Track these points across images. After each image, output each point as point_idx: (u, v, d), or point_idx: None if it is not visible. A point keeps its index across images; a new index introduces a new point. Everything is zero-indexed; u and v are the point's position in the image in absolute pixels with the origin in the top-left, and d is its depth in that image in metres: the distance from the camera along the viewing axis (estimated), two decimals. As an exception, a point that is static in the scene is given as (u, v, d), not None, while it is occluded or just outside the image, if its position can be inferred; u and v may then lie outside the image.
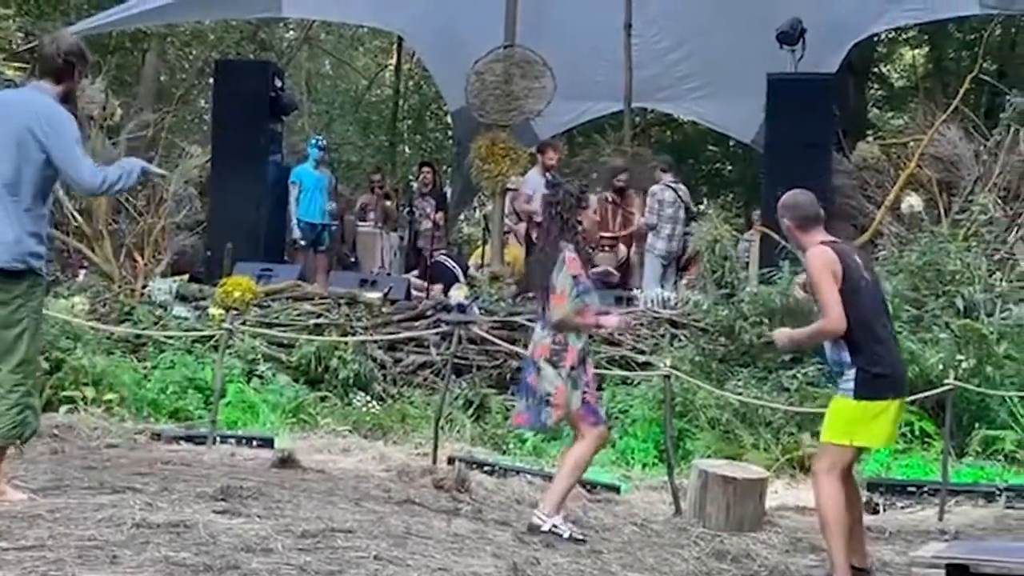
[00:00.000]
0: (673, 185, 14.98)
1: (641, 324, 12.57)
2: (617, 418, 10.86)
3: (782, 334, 6.78)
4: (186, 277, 14.14)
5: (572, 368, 7.01)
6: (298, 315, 12.85)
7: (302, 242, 15.64)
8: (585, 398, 7.05)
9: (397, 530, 6.40)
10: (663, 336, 12.34)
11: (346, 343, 11.96)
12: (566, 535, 6.87)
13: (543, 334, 7.10)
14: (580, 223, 7.21)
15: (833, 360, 6.32)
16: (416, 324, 12.64)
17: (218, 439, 9.57)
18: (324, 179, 15.94)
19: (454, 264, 15.64)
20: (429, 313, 12.77)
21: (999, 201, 13.31)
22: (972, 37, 21.77)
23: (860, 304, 6.19)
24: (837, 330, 6.15)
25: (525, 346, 7.19)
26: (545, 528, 6.90)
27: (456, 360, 10.86)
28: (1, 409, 6.27)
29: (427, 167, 17.79)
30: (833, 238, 6.44)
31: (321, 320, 12.72)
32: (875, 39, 22.00)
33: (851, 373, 6.19)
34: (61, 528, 5.55)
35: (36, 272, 6.52)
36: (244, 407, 11.02)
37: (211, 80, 19.12)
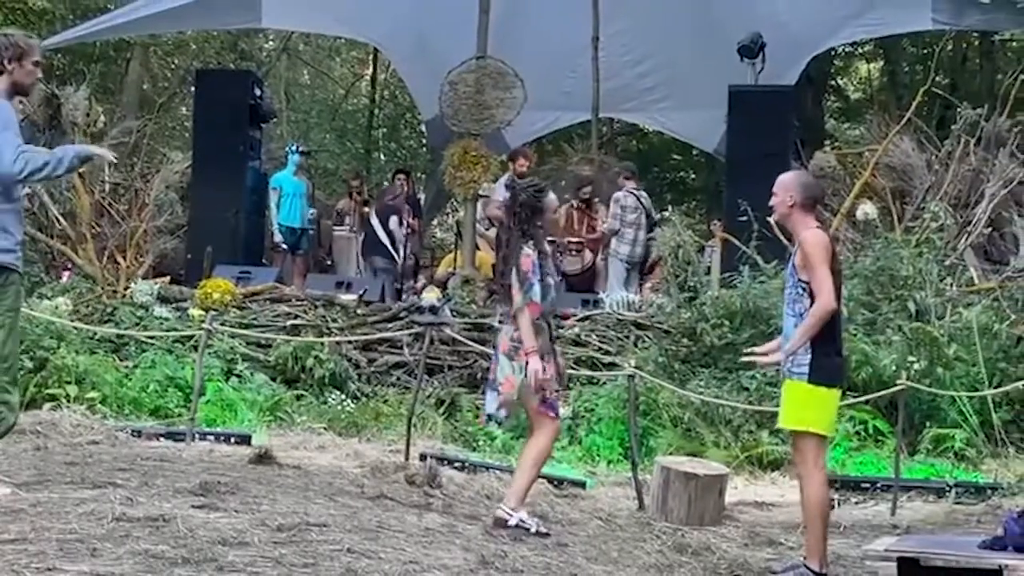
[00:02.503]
0: (635, 192, 15.02)
1: (606, 326, 12.64)
2: (583, 417, 10.87)
3: (771, 355, 6.48)
4: (167, 279, 14.10)
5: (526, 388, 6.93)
6: (276, 316, 12.82)
7: (283, 246, 15.62)
8: (544, 395, 6.99)
9: (370, 524, 6.39)
10: (628, 338, 12.38)
11: (322, 343, 11.93)
12: (533, 529, 6.84)
13: (506, 329, 7.06)
14: (540, 224, 7.23)
15: (789, 336, 6.31)
16: (390, 325, 12.62)
17: (197, 436, 9.52)
18: (303, 185, 15.91)
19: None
20: (402, 315, 12.75)
21: (950, 209, 13.38)
22: (925, 52, 21.89)
23: (835, 291, 6.24)
24: (831, 309, 6.14)
25: (495, 347, 7.15)
26: (512, 522, 6.86)
27: (428, 360, 10.86)
28: None
29: (402, 174, 17.74)
30: (819, 224, 6.43)
31: (298, 321, 12.70)
32: (832, 53, 22.12)
33: (806, 358, 6.20)
34: (43, 522, 5.52)
35: (8, 268, 6.45)
36: (223, 405, 10.97)
37: (192, 88, 19.04)
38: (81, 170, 14.35)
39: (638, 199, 14.96)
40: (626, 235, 14.79)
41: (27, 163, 6.30)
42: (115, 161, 7.41)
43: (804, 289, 6.21)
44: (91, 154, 6.76)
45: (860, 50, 24.67)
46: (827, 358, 6.21)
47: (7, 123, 6.33)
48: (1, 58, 6.43)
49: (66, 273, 13.97)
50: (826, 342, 6.21)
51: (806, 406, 6.18)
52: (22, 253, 6.64)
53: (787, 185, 6.43)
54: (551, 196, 7.38)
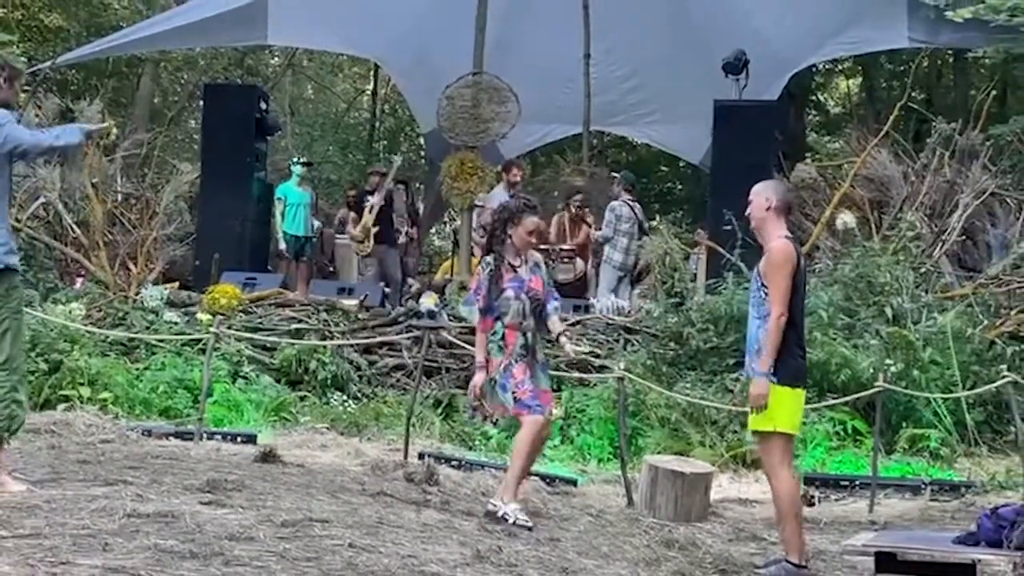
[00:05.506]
0: (630, 203, 15.01)
1: (597, 330, 12.64)
2: (575, 417, 10.86)
3: (759, 392, 6.17)
4: (176, 285, 14.07)
5: (492, 379, 7.21)
6: (280, 320, 12.81)
7: (287, 254, 15.61)
8: (516, 396, 7.15)
9: (370, 520, 6.40)
10: (617, 341, 12.38)
11: (325, 346, 11.92)
12: (511, 520, 6.96)
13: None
14: (509, 236, 7.28)
15: (753, 338, 6.31)
16: (389, 329, 12.61)
17: (205, 435, 9.50)
18: (307, 195, 15.90)
19: None
20: (401, 319, 12.74)
21: (925, 218, 13.40)
22: (902, 68, 21.90)
23: (797, 296, 6.23)
24: (783, 321, 6.12)
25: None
26: (499, 513, 7.00)
27: (426, 362, 10.84)
28: None
29: (401, 184, 17.73)
30: (788, 233, 6.42)
31: (302, 325, 12.67)
32: (813, 69, 22.13)
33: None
34: (57, 518, 5.53)
35: (12, 270, 6.49)
36: (229, 406, 10.95)
37: (201, 102, 19.07)
38: (94, 180, 14.42)
39: (632, 209, 14.95)
40: (619, 243, 14.77)
41: (41, 136, 6.66)
42: (114, 129, 7.77)
43: (767, 294, 6.23)
44: (93, 130, 6.93)
45: (840, 67, 24.68)
46: (792, 359, 6.20)
47: (10, 120, 6.50)
48: None
49: (79, 279, 13.94)
50: (790, 344, 6.20)
51: (773, 405, 6.15)
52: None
53: (763, 190, 6.44)
54: (531, 218, 7.36)
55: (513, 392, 7.15)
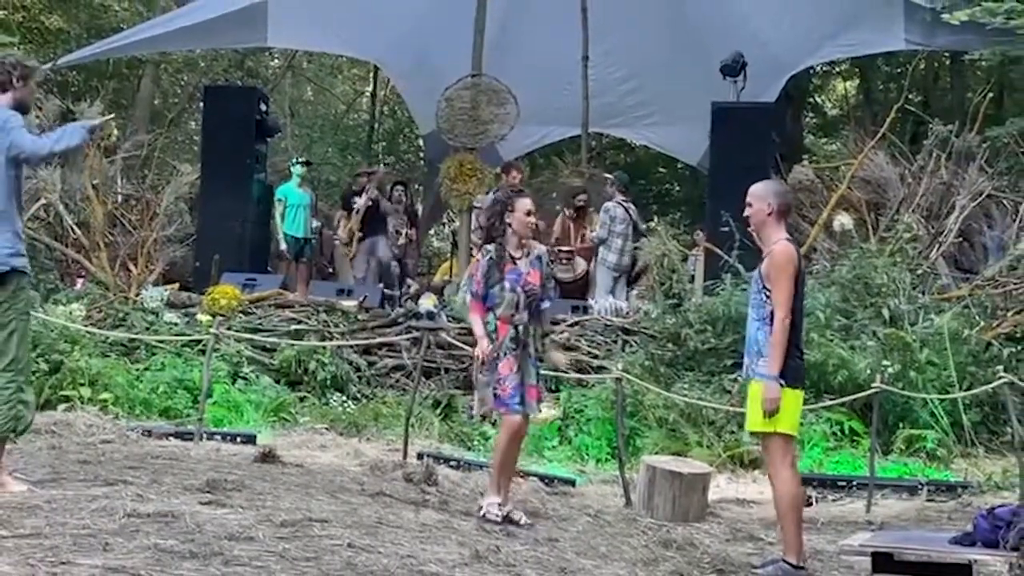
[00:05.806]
0: (624, 204, 15.00)
1: (595, 331, 12.64)
2: (573, 417, 10.86)
3: (773, 396, 6.17)
4: (176, 286, 14.06)
5: (478, 371, 7.26)
6: (280, 321, 12.80)
7: (287, 255, 15.61)
8: (496, 392, 7.13)
9: (369, 520, 6.39)
10: (615, 342, 12.37)
11: (324, 347, 11.91)
12: (481, 512, 7.07)
13: None
14: (509, 225, 7.27)
15: (753, 339, 6.32)
16: (389, 330, 12.61)
17: (205, 436, 9.49)
18: (307, 196, 15.90)
19: None
20: (401, 320, 12.74)
21: (922, 220, 13.41)
22: (899, 70, 21.93)
23: (796, 298, 6.24)
24: (787, 323, 6.16)
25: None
26: (481, 512, 7.08)
27: (425, 363, 10.84)
28: None
29: (400, 186, 17.74)
30: (788, 235, 6.42)
31: (301, 326, 12.67)
32: (810, 72, 22.14)
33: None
34: (58, 517, 5.52)
35: (20, 272, 6.48)
36: (229, 406, 10.94)
37: (201, 104, 19.06)
38: (95, 181, 14.42)
39: (626, 210, 14.94)
40: (614, 244, 14.74)
41: (42, 142, 6.56)
42: (113, 123, 7.74)
43: (768, 296, 6.23)
44: (95, 126, 6.86)
45: (837, 69, 24.68)
46: (791, 360, 6.22)
47: (18, 124, 6.49)
48: (10, 76, 6.52)
49: (80, 280, 13.95)
50: (789, 345, 6.22)
51: (782, 408, 6.17)
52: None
53: (763, 194, 6.43)
54: (526, 201, 7.36)
55: (495, 388, 7.14)
